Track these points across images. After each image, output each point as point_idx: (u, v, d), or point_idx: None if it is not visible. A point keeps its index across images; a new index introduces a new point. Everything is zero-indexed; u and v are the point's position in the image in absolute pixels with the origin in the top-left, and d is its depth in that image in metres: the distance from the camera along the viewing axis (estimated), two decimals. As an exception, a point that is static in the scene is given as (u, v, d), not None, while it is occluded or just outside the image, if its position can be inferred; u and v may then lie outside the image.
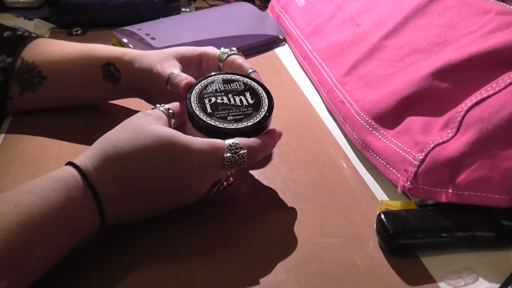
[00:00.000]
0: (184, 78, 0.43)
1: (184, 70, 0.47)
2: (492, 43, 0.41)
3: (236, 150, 0.37)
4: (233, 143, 0.37)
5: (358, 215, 0.41)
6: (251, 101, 0.41)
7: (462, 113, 0.39)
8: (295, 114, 0.57)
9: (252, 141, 0.38)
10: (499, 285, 0.34)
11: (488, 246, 0.38)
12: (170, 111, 0.40)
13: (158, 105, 0.41)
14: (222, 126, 0.38)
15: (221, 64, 0.48)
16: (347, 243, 0.38)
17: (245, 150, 0.37)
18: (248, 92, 0.42)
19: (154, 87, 0.48)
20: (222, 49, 0.49)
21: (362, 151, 0.47)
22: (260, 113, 0.40)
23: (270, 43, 0.76)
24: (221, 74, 0.43)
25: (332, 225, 0.40)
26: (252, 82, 0.43)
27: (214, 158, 0.36)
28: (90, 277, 0.34)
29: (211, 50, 0.49)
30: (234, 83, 0.43)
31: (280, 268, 0.35)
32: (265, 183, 0.45)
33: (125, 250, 0.36)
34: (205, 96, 0.41)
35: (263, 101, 0.41)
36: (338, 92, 0.53)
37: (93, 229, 0.35)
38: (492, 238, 0.37)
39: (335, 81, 0.55)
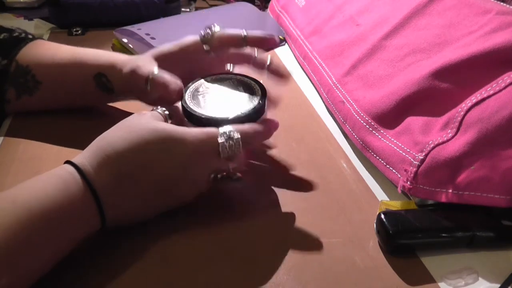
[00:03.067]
0: (173, 82, 0.42)
1: (170, 69, 0.45)
2: (492, 43, 0.41)
3: (230, 135, 0.37)
4: (226, 129, 0.37)
5: (358, 215, 0.41)
6: (244, 93, 0.42)
7: (462, 113, 0.39)
8: (295, 114, 0.57)
9: (246, 126, 0.38)
10: (499, 285, 0.34)
11: (488, 246, 0.38)
12: (166, 112, 0.41)
13: (154, 108, 0.41)
14: (218, 116, 0.39)
15: (208, 47, 0.46)
16: (347, 243, 0.38)
17: (239, 135, 0.37)
18: (241, 86, 0.43)
19: (142, 89, 0.46)
20: (202, 31, 0.46)
21: (362, 151, 0.47)
22: (254, 101, 0.41)
23: (270, 43, 0.76)
24: (211, 75, 0.45)
25: (332, 225, 0.40)
26: (245, 78, 0.44)
27: (209, 144, 0.37)
28: (89, 278, 0.34)
29: (191, 41, 0.47)
30: (227, 81, 0.44)
31: (280, 268, 0.35)
32: (265, 183, 0.45)
33: (125, 250, 0.36)
34: (199, 94, 0.42)
35: (257, 92, 0.42)
36: (338, 92, 0.53)
37: (94, 229, 0.35)
38: (492, 238, 0.37)
39: (335, 81, 0.55)
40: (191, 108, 0.40)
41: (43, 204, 0.31)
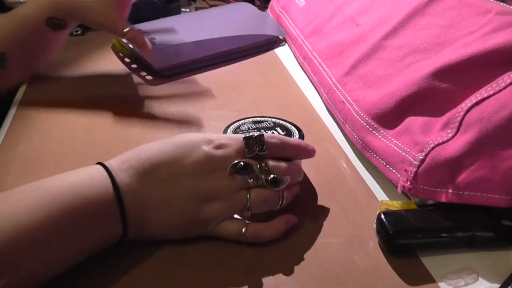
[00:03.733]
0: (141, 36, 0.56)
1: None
2: (492, 43, 0.41)
3: (253, 134, 0.38)
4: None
5: (358, 215, 0.41)
6: (282, 134, 0.44)
7: (462, 113, 0.39)
8: (295, 114, 0.57)
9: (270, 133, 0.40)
10: (499, 285, 0.34)
11: (488, 246, 0.38)
12: None
13: None
14: None
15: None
16: (347, 243, 0.38)
17: (262, 133, 0.38)
18: (278, 127, 0.45)
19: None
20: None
21: (362, 151, 0.47)
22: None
23: (270, 43, 0.76)
24: (250, 117, 0.47)
25: (332, 225, 0.40)
26: (280, 120, 0.47)
27: (231, 139, 0.38)
28: (90, 280, 0.34)
29: None
30: (264, 122, 0.46)
31: (280, 268, 0.35)
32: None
33: (127, 252, 0.36)
34: (238, 133, 0.44)
35: (293, 132, 0.45)
36: (338, 92, 0.53)
37: (113, 235, 0.34)
38: (492, 238, 0.37)
39: (335, 81, 0.55)
40: None
41: (68, 194, 0.32)
